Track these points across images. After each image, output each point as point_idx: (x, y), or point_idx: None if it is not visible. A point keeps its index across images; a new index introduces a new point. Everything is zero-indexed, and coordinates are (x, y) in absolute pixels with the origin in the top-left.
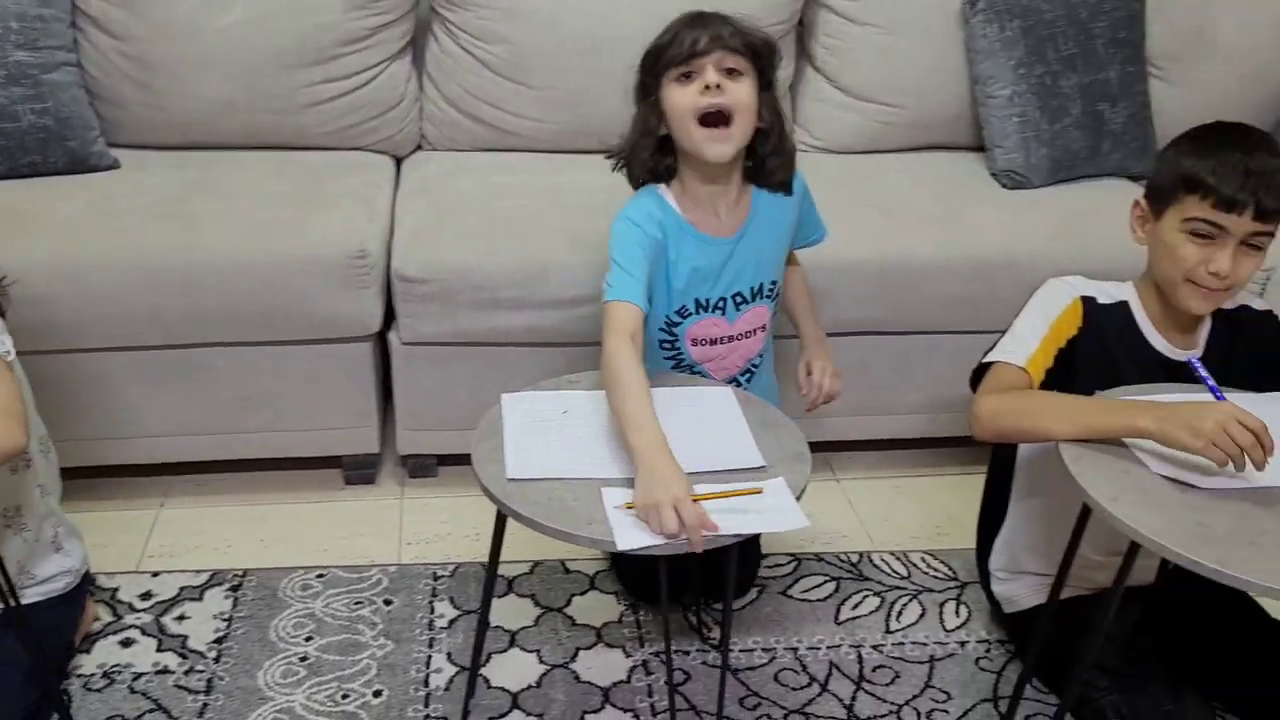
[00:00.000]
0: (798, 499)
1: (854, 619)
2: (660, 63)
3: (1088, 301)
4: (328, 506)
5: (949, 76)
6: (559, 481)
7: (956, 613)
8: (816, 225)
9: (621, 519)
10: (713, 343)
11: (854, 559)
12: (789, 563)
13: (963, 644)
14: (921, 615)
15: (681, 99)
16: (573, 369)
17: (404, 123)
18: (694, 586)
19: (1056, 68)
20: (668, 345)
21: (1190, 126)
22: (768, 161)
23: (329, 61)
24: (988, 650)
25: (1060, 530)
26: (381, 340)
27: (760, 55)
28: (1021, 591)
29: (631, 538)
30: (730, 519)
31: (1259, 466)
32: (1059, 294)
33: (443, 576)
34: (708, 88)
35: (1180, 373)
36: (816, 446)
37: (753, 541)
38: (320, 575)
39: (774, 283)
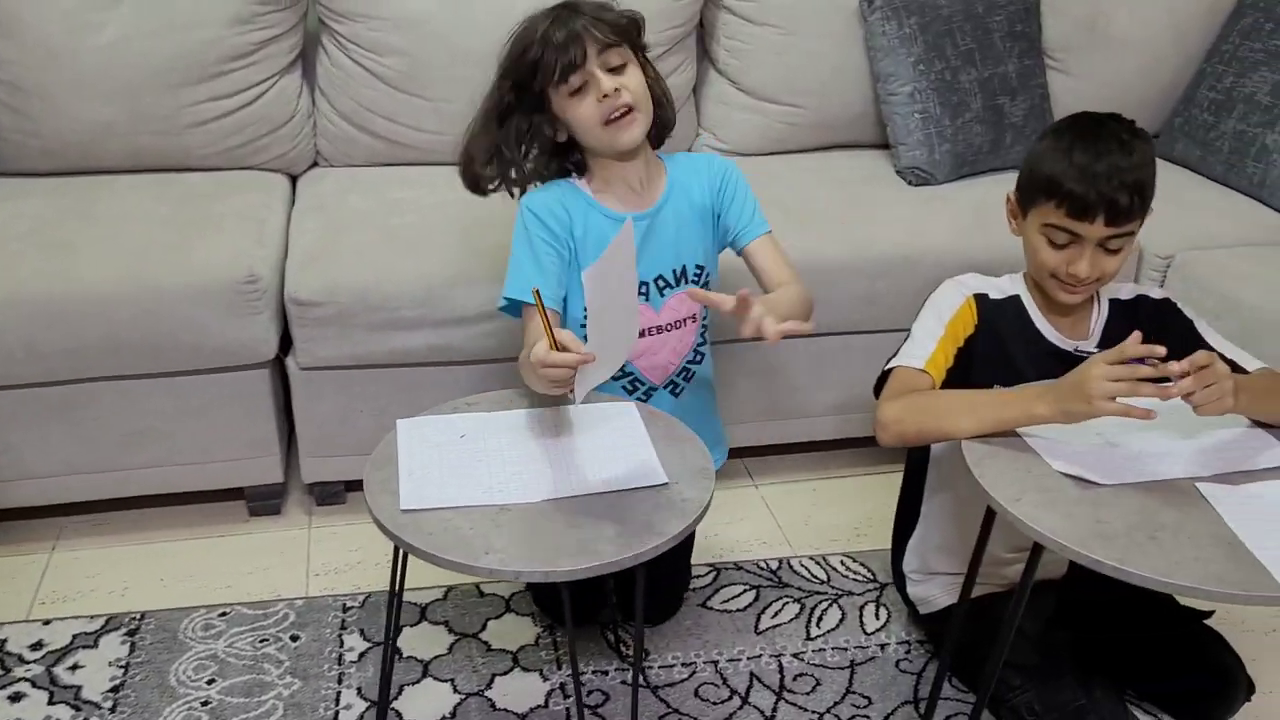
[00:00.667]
0: (704, 511)
1: (774, 627)
2: (539, 77)
3: (980, 299)
4: (231, 540)
5: (851, 75)
6: (455, 510)
7: (876, 615)
8: (755, 224)
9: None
10: (641, 334)
11: (774, 566)
12: (708, 573)
13: (883, 646)
14: (841, 620)
15: (584, 111)
16: (481, 387)
17: (297, 139)
18: (611, 604)
19: (956, 63)
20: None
21: None
22: (664, 121)
23: (213, 79)
24: (908, 652)
25: (970, 529)
26: (280, 366)
27: (631, 34)
28: (936, 592)
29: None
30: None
31: (1163, 396)
32: (952, 295)
33: (352, 608)
34: (605, 95)
35: (1074, 363)
36: (733, 453)
37: (683, 559)
38: (223, 614)
39: (699, 268)
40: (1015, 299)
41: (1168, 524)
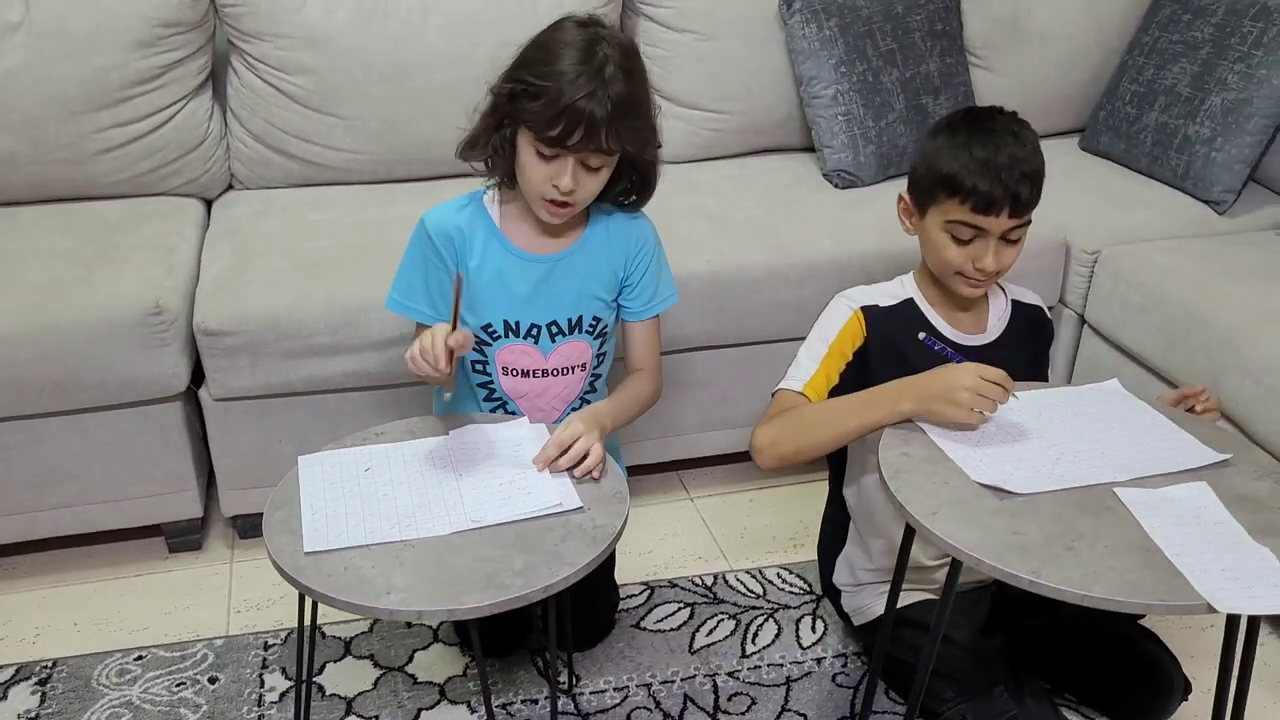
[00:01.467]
0: (616, 538)
1: (709, 646)
2: (523, 113)
3: (869, 310)
4: (150, 580)
5: (774, 79)
6: (359, 549)
7: (813, 628)
8: (649, 305)
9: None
10: (524, 374)
11: (709, 581)
12: (642, 592)
13: (819, 661)
14: (777, 634)
15: (534, 173)
16: (403, 413)
17: (209, 163)
18: (538, 629)
19: (877, 64)
20: (480, 368)
21: None
22: (617, 194)
23: (118, 105)
24: (844, 665)
25: (897, 536)
26: (194, 398)
27: (632, 150)
28: (869, 601)
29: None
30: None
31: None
32: (837, 313)
33: (274, 645)
34: (559, 187)
35: (976, 357)
36: (668, 466)
37: (606, 581)
38: (139, 658)
39: (597, 319)
40: (909, 302)
41: (1085, 533)
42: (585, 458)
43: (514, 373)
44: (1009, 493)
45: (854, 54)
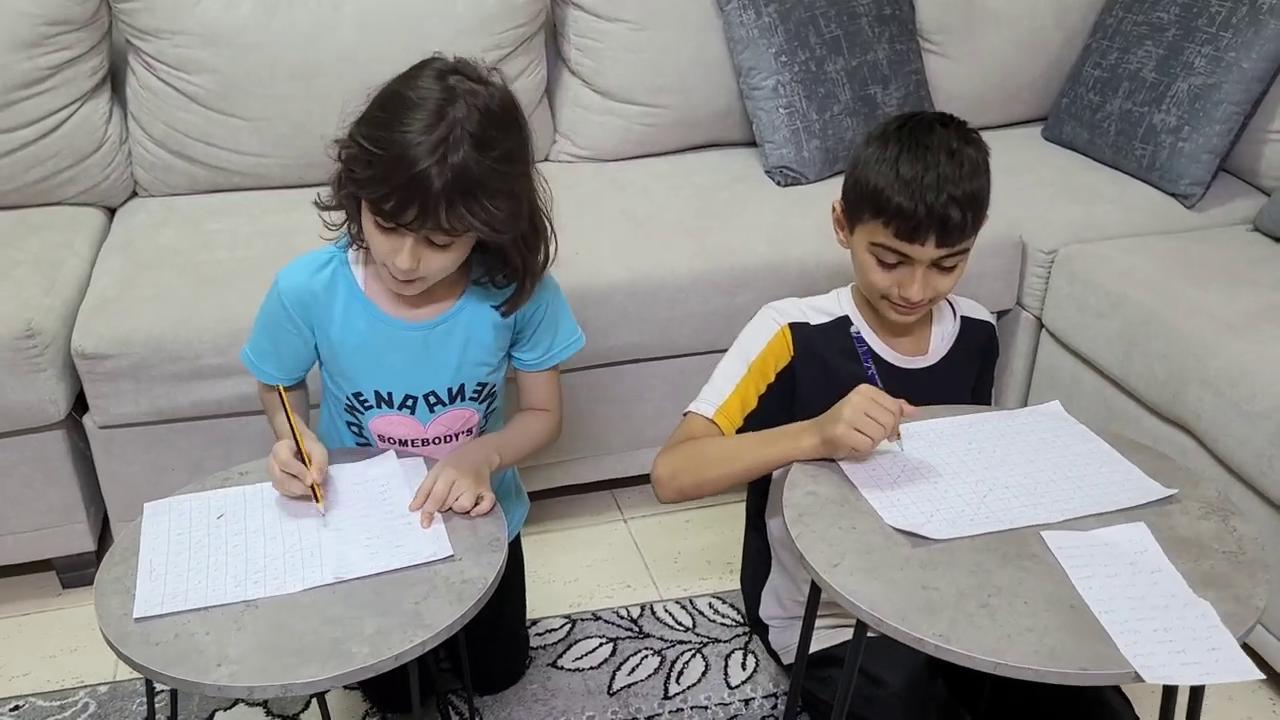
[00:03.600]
0: (486, 594)
1: (630, 686)
2: (358, 179)
3: (797, 328)
4: (39, 619)
5: (712, 70)
6: (196, 612)
7: (743, 665)
8: (545, 358)
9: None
10: (401, 444)
11: (635, 613)
12: (562, 625)
13: (747, 702)
14: (705, 672)
15: (374, 243)
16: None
17: (108, 169)
18: (443, 670)
19: (821, 52)
20: (355, 430)
21: (969, 100)
22: (489, 283)
23: (1, 110)
24: (774, 706)
25: None
26: (79, 425)
27: (500, 221)
28: (796, 641)
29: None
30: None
31: (891, 437)
32: (762, 328)
33: (162, 691)
34: (397, 265)
35: (914, 381)
36: (602, 485)
37: (516, 620)
38: (15, 708)
39: (481, 385)
40: (842, 320)
41: (1004, 586)
42: (467, 503)
43: (390, 441)
44: (925, 539)
45: (795, 42)
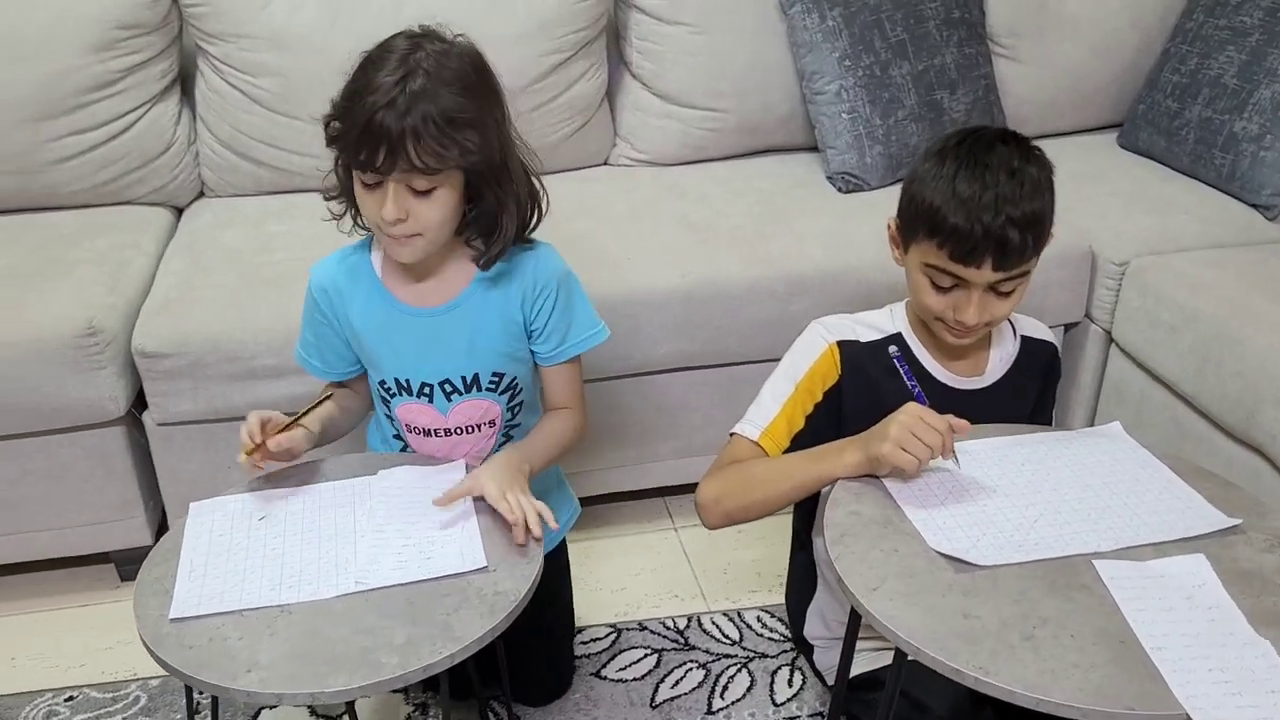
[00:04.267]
0: (519, 607)
1: (673, 699)
2: (336, 140)
3: (845, 346)
4: (98, 610)
5: (773, 74)
6: (230, 615)
7: (789, 681)
8: (561, 345)
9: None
10: (426, 433)
11: (681, 624)
12: (608, 634)
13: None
14: (750, 687)
15: (363, 205)
16: (346, 444)
17: (176, 170)
18: (493, 679)
19: (886, 56)
20: (390, 422)
21: (1040, 106)
22: (498, 235)
23: (74, 111)
24: None
25: None
26: (139, 422)
27: (464, 160)
28: (833, 660)
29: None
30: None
31: (945, 455)
32: (811, 346)
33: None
34: (384, 218)
35: (970, 402)
36: (654, 492)
37: (565, 631)
38: (70, 699)
39: (498, 375)
40: (895, 338)
41: (1049, 617)
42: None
43: (416, 431)
44: (969, 564)
45: (860, 46)
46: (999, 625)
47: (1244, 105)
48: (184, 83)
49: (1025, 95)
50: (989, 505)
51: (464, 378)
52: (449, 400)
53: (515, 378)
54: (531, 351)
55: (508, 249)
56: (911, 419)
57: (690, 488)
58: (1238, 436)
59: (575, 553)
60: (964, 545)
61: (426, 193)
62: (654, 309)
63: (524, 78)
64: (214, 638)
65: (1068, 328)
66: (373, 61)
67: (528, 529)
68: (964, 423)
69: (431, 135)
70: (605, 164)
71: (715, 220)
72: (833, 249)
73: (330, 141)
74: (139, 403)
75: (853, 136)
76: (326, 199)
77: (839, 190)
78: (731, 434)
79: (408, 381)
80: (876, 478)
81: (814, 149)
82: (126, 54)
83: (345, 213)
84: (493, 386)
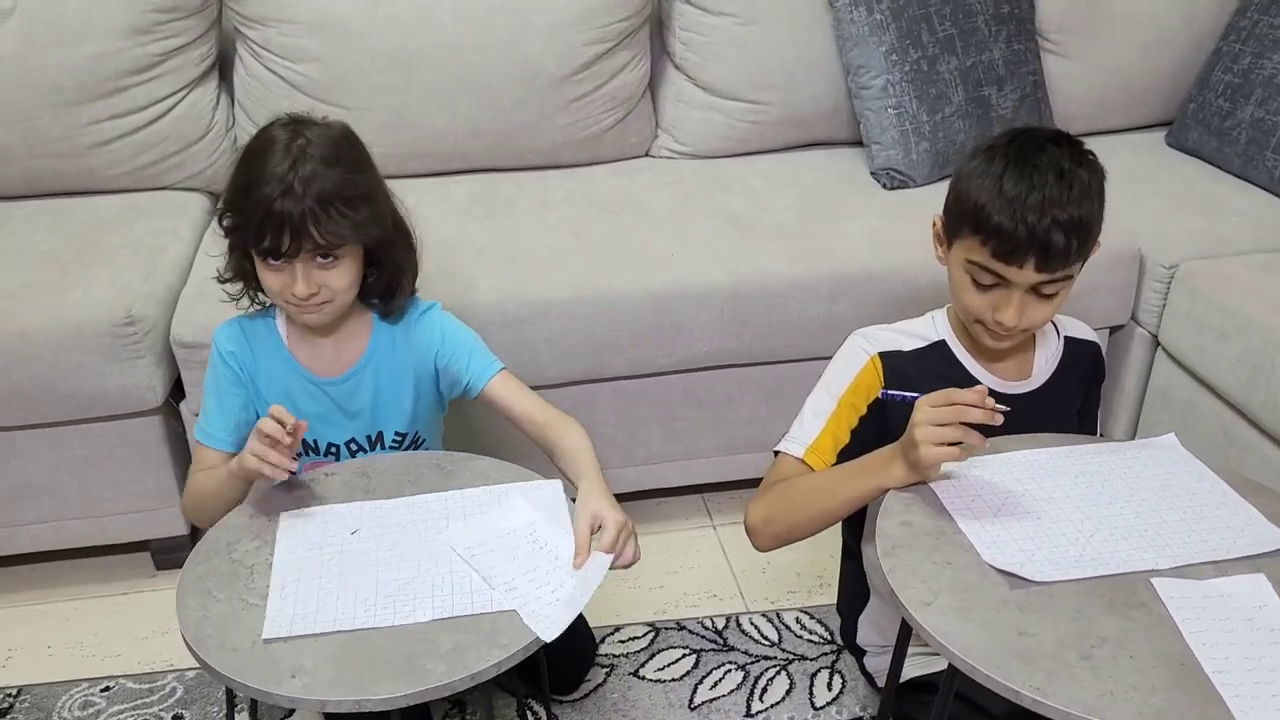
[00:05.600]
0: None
1: (711, 701)
2: (237, 232)
3: (888, 357)
4: (135, 599)
5: (819, 67)
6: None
7: (829, 685)
8: (484, 366)
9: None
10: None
11: (720, 624)
12: (645, 634)
13: None
14: (789, 690)
15: (273, 284)
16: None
17: (215, 155)
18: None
19: (933, 51)
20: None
21: (1089, 104)
22: (394, 288)
23: (113, 95)
24: None
25: None
26: (177, 411)
27: (368, 230)
28: (880, 665)
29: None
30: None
31: (991, 420)
32: (852, 359)
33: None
34: (295, 294)
35: (1018, 406)
36: (693, 489)
37: (581, 633)
38: (106, 689)
39: (400, 434)
40: (939, 345)
41: (1108, 636)
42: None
43: None
44: (1024, 580)
45: (908, 40)
46: (1056, 644)
47: None
48: (222, 67)
49: (1074, 93)
50: (1043, 519)
51: (369, 437)
52: (354, 457)
53: (417, 431)
54: (457, 388)
55: (406, 299)
56: (926, 413)
57: (732, 485)
58: None
59: None
60: (1019, 560)
61: (332, 265)
62: (698, 305)
63: (567, 67)
64: (257, 640)
65: (1113, 330)
66: (258, 154)
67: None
68: (979, 388)
69: (330, 214)
70: (647, 155)
71: (759, 215)
72: (878, 248)
73: (229, 233)
74: (177, 392)
75: (899, 132)
76: (221, 283)
77: (884, 187)
78: (776, 451)
79: (315, 442)
80: (927, 485)
81: (859, 144)
82: (165, 38)
83: (243, 294)
84: (396, 444)
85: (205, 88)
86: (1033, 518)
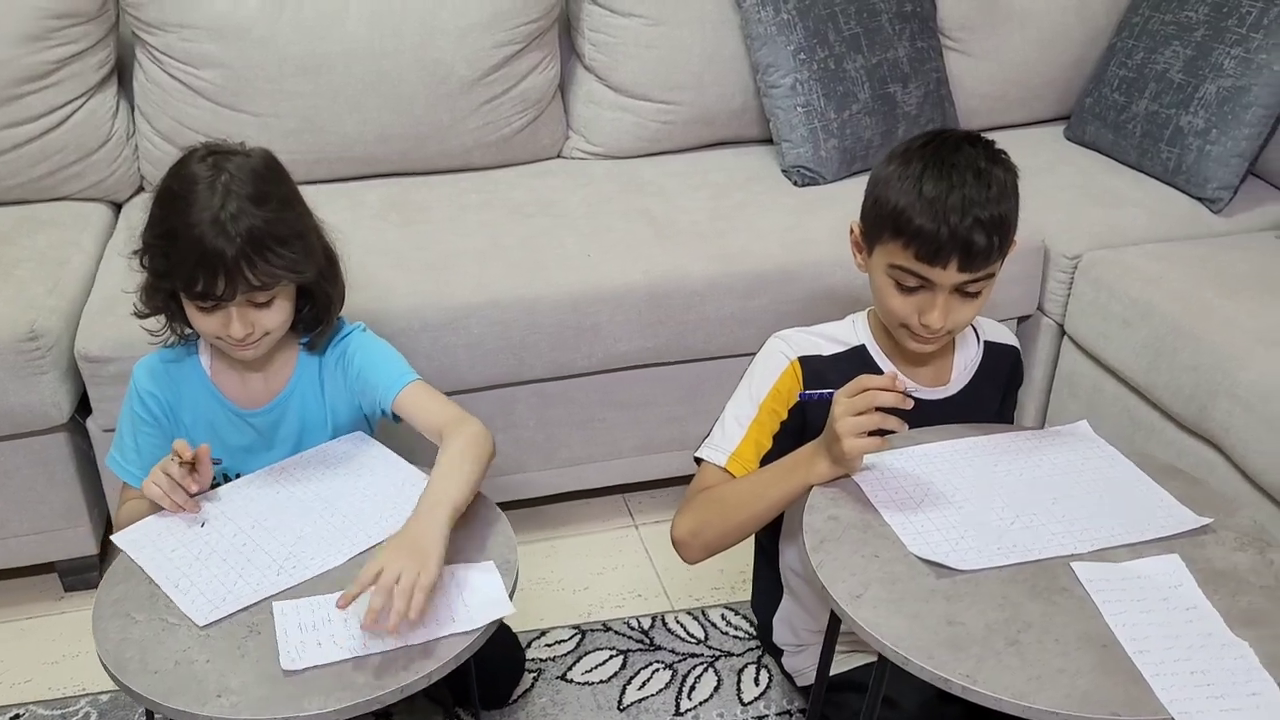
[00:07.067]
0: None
1: (640, 701)
2: (164, 274)
3: (807, 361)
4: (43, 623)
5: (728, 66)
6: (198, 639)
7: (756, 679)
8: (392, 379)
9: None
10: None
11: (646, 624)
12: (572, 637)
13: (761, 719)
14: (717, 687)
15: (205, 325)
16: None
17: (115, 164)
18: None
19: (840, 50)
20: None
21: (990, 99)
22: (322, 318)
23: (7, 104)
24: None
25: None
26: (83, 428)
27: (299, 268)
28: (812, 663)
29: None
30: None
31: (904, 404)
32: (772, 363)
33: None
34: (232, 335)
35: (935, 413)
36: (615, 490)
37: (506, 644)
38: (16, 716)
39: None
40: (859, 350)
41: (1033, 621)
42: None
43: None
44: (950, 569)
45: (814, 39)
46: (984, 631)
47: (1190, 100)
48: (121, 74)
49: (975, 88)
50: (965, 508)
51: None
52: None
53: None
54: (375, 407)
55: (331, 327)
56: (844, 405)
57: (652, 485)
58: (1191, 428)
59: (537, 553)
60: (943, 550)
61: (266, 305)
62: (615, 306)
63: (477, 70)
64: (180, 661)
65: (1020, 320)
66: (180, 195)
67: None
68: (889, 373)
69: (266, 257)
70: (559, 157)
71: (674, 215)
72: (791, 245)
73: (158, 276)
74: (83, 408)
75: (807, 130)
76: (140, 319)
77: (795, 184)
78: (698, 459)
79: (239, 474)
80: (852, 480)
81: (769, 142)
82: (61, 44)
83: (166, 330)
84: None
85: (104, 95)
86: (955, 507)
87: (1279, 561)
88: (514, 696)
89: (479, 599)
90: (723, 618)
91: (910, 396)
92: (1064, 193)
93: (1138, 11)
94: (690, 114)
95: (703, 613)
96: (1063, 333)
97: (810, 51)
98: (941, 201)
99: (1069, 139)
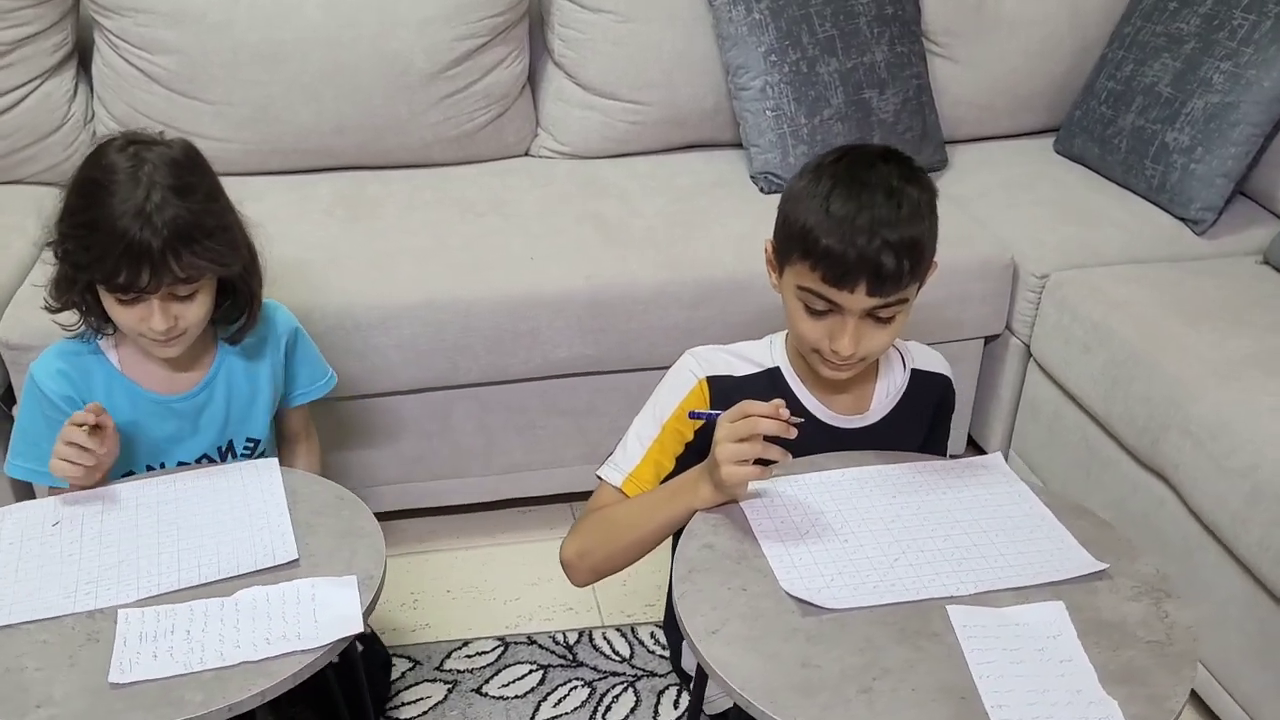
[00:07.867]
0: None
1: (554, 718)
2: (82, 266)
3: (716, 382)
4: None
5: (700, 66)
6: (35, 643)
7: (675, 703)
8: (314, 374)
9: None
10: None
11: (572, 639)
12: (494, 648)
13: None
14: (634, 708)
15: (124, 318)
16: None
17: (70, 149)
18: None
19: (814, 52)
20: None
21: (977, 108)
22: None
23: None
24: None
25: None
26: (9, 417)
27: (225, 261)
28: (718, 691)
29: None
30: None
31: (786, 434)
32: (680, 381)
33: None
34: (154, 329)
35: (851, 442)
36: (555, 499)
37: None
38: None
39: (252, 441)
40: (772, 372)
41: (892, 668)
42: None
43: None
44: (818, 608)
45: (787, 41)
46: (838, 676)
47: (1176, 115)
48: (83, 58)
49: (961, 96)
50: (850, 542)
51: (219, 448)
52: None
53: (261, 438)
54: (286, 396)
55: (255, 323)
56: (725, 430)
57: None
58: (1144, 461)
59: (472, 560)
60: (815, 586)
61: (189, 298)
62: (554, 312)
63: (437, 63)
64: (11, 668)
65: (988, 340)
66: (102, 186)
67: None
68: (775, 402)
69: (191, 249)
70: (527, 155)
71: (628, 220)
72: (744, 255)
73: (76, 268)
74: (8, 397)
75: (776, 135)
76: (52, 313)
77: (761, 191)
78: (599, 475)
79: (162, 465)
80: (738, 506)
81: (740, 146)
82: (15, 25)
83: (81, 325)
84: (248, 451)
85: (61, 78)
86: (839, 540)
87: (1174, 614)
88: (424, 709)
89: (330, 615)
90: (651, 636)
91: (794, 425)
92: (1040, 208)
93: (1130, 22)
94: (660, 114)
95: (632, 630)
96: (1029, 354)
97: (782, 54)
98: (849, 222)
99: (1058, 152)
